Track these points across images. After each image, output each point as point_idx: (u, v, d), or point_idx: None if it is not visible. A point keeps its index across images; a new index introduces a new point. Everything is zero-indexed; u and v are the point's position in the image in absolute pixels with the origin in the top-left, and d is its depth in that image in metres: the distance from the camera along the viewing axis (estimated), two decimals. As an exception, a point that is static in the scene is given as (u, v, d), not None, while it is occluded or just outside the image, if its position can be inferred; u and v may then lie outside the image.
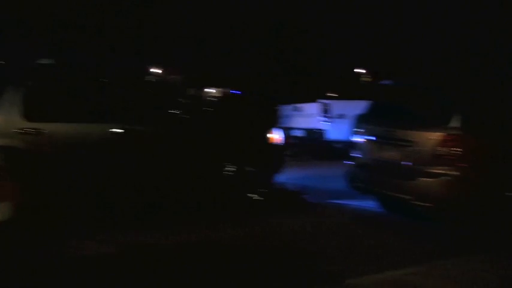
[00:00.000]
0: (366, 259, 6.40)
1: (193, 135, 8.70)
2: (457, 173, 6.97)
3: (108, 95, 8.51)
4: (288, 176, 10.86)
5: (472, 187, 7.03)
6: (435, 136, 7.17)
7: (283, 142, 9.81)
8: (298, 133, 17.56)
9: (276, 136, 9.48)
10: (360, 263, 6.22)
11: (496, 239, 7.00)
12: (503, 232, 7.15)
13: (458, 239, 7.34)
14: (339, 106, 16.56)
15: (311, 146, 17.38)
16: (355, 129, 8.72)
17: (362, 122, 8.70)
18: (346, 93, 17.49)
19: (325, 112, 16.45)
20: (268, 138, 9.40)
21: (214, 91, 24.10)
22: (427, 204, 7.22)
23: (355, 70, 29.37)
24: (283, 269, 6.13)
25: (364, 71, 28.62)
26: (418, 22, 29.25)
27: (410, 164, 7.46)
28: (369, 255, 6.59)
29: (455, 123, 7.07)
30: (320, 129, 16.60)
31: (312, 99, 16.99)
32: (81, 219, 7.74)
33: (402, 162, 7.58)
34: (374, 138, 8.18)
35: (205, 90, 24.35)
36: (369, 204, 9.09)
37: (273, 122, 13.01)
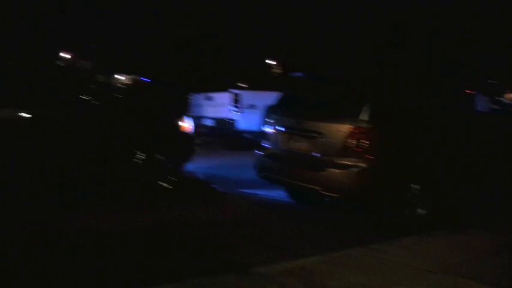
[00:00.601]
0: (273, 248, 6.43)
1: (102, 121, 8.51)
2: (365, 165, 7.12)
3: (15, 79, 8.22)
4: (197, 165, 10.82)
5: (379, 178, 7.21)
6: (344, 128, 7.29)
7: (194, 131, 9.76)
8: (209, 122, 17.49)
9: (186, 125, 9.40)
10: (267, 252, 6.25)
11: (405, 228, 7.22)
12: (413, 222, 7.39)
13: (368, 228, 7.52)
14: (249, 96, 16.62)
15: (221, 136, 17.36)
16: (266, 120, 8.76)
17: (272, 112, 8.74)
18: (257, 84, 17.55)
19: (236, 102, 16.47)
20: (178, 126, 9.32)
21: (124, 78, 23.69)
22: (335, 195, 7.35)
23: (266, 61, 29.53)
24: (187, 257, 6.07)
25: (275, 63, 28.82)
26: (330, 16, 29.82)
27: (319, 155, 7.57)
28: (277, 244, 6.63)
29: (363, 116, 7.21)
30: (231, 119, 16.60)
31: (223, 89, 16.95)
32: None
33: (311, 153, 7.67)
34: (284, 129, 8.23)
35: (115, 76, 23.90)
36: (278, 194, 9.16)
37: (184, 111, 12.88)
